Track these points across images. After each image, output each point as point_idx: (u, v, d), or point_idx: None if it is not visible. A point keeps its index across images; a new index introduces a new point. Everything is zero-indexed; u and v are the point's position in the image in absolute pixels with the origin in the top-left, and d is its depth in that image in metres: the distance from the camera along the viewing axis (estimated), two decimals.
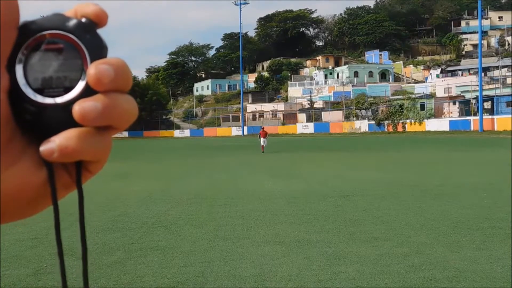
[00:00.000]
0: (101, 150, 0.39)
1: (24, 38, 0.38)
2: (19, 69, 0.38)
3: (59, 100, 0.38)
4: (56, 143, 0.37)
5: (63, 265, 0.40)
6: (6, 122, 0.37)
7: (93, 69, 0.37)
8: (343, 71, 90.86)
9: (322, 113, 72.16)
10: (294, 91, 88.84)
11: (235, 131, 76.33)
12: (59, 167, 0.40)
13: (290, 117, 75.68)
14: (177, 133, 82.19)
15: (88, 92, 0.37)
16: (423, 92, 67.05)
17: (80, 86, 0.38)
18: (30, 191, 0.38)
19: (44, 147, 0.37)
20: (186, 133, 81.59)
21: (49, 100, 0.38)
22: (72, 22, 0.38)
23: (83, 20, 0.39)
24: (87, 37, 0.38)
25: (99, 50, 0.39)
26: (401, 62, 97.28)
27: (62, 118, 0.38)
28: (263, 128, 29.77)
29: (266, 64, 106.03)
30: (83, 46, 0.38)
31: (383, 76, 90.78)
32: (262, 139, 28.17)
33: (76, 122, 0.37)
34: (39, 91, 0.38)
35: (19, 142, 0.38)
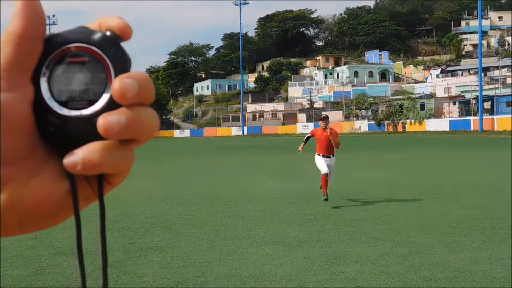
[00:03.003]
0: (123, 163, 0.39)
1: (49, 51, 0.38)
2: (43, 82, 0.38)
3: (85, 112, 0.38)
4: (79, 156, 0.37)
5: (84, 277, 0.40)
6: (30, 134, 0.37)
7: (118, 83, 0.37)
8: (343, 71, 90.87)
9: (322, 113, 71.95)
10: (294, 91, 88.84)
11: (235, 131, 76.33)
12: (80, 179, 0.40)
13: (290, 117, 75.66)
14: (177, 133, 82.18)
15: (111, 105, 0.38)
16: (423, 92, 67.02)
17: (104, 99, 0.38)
18: (52, 202, 0.39)
19: (68, 160, 0.37)
20: (186, 133, 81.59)
21: (74, 113, 0.38)
22: (97, 36, 0.39)
23: (108, 33, 0.39)
24: (112, 51, 0.38)
25: (123, 63, 0.39)
26: (401, 62, 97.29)
27: (86, 130, 0.38)
28: (323, 119, 10.64)
29: (266, 64, 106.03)
30: (107, 60, 0.38)
31: (383, 76, 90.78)
32: (323, 160, 9.67)
33: (99, 135, 0.37)
34: (63, 103, 0.38)
35: (41, 153, 0.38)
